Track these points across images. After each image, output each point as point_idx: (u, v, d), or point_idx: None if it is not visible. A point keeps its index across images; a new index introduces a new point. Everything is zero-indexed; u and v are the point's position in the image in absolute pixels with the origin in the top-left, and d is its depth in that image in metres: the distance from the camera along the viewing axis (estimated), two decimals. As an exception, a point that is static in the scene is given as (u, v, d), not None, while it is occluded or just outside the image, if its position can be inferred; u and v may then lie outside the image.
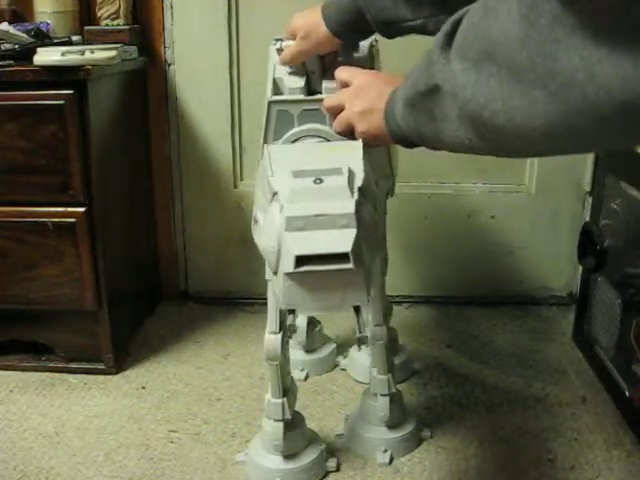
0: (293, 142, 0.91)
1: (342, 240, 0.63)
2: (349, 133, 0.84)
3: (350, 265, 0.63)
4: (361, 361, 1.32)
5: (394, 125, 0.73)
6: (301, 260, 0.64)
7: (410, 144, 0.74)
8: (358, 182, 0.69)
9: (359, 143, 0.78)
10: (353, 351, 1.37)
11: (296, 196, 0.67)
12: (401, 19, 0.84)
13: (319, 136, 0.90)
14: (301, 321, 1.34)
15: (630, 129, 0.44)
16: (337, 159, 0.72)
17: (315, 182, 0.68)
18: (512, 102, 0.49)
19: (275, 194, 0.68)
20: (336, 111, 0.84)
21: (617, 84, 0.41)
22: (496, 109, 0.50)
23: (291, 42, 0.94)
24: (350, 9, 0.87)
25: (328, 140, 0.89)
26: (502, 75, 0.49)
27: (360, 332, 0.74)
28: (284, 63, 0.95)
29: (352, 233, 0.64)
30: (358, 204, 0.66)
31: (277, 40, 0.97)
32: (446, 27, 0.57)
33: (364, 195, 0.69)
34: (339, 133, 0.86)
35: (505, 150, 0.58)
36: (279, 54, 0.96)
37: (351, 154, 0.74)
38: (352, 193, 0.67)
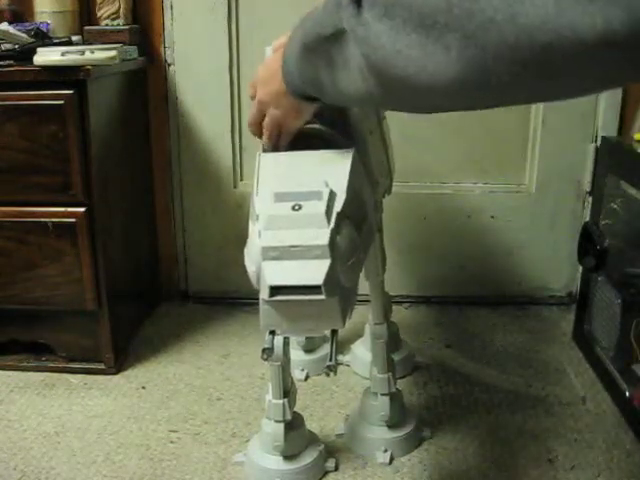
0: (293, 143, 0.91)
1: (315, 272, 0.64)
2: (260, 120, 0.81)
3: (322, 297, 0.64)
4: (364, 357, 1.32)
5: (289, 75, 0.71)
6: (276, 289, 0.66)
7: (305, 96, 0.71)
8: (338, 206, 0.69)
9: (349, 155, 0.78)
10: (355, 347, 1.38)
11: (273, 223, 0.68)
12: None
13: (320, 137, 0.89)
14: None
15: (545, 75, 0.42)
16: (321, 177, 0.72)
17: (294, 208, 0.68)
18: (425, 49, 0.46)
19: (257, 216, 0.70)
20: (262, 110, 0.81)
21: (538, 24, 0.39)
22: (410, 56, 0.48)
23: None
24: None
25: (328, 140, 0.89)
26: (414, 20, 0.46)
27: (330, 360, 0.74)
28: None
29: (325, 264, 0.65)
30: (335, 232, 0.67)
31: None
32: None
33: (344, 217, 0.69)
34: (253, 126, 0.83)
35: (408, 103, 0.56)
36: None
37: (338, 170, 0.74)
38: (329, 221, 0.67)
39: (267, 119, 0.81)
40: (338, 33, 0.57)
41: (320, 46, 0.62)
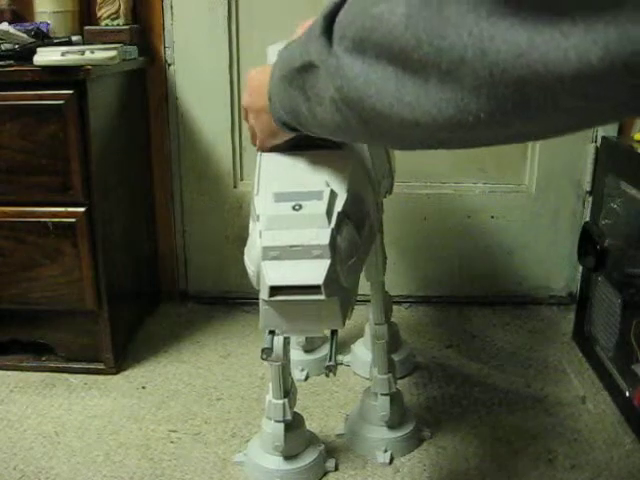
0: (294, 145, 0.91)
1: (315, 272, 0.65)
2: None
3: (322, 297, 0.64)
4: (364, 357, 1.33)
5: (272, 101, 0.69)
6: (276, 289, 0.66)
7: (287, 125, 0.70)
8: (339, 206, 0.69)
9: (350, 155, 0.78)
10: (355, 347, 1.38)
11: (274, 223, 0.68)
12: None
13: (320, 137, 0.89)
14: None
15: (523, 112, 0.41)
16: (322, 177, 0.72)
17: (294, 208, 0.69)
18: (402, 82, 0.45)
19: (258, 216, 0.70)
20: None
21: (511, 60, 0.38)
22: (384, 88, 0.47)
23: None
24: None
25: (330, 140, 0.88)
26: (388, 54, 0.45)
27: (330, 360, 0.74)
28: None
29: (325, 264, 0.65)
30: (335, 232, 0.67)
31: None
32: (328, 7, 0.53)
33: (345, 217, 0.69)
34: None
35: (388, 136, 0.53)
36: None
37: (338, 170, 0.74)
38: (330, 221, 0.67)
39: (249, 124, 0.81)
40: (308, 65, 0.56)
41: (293, 78, 0.60)
